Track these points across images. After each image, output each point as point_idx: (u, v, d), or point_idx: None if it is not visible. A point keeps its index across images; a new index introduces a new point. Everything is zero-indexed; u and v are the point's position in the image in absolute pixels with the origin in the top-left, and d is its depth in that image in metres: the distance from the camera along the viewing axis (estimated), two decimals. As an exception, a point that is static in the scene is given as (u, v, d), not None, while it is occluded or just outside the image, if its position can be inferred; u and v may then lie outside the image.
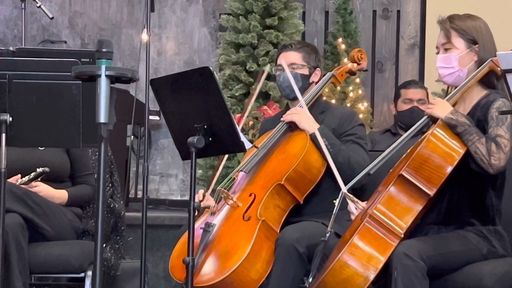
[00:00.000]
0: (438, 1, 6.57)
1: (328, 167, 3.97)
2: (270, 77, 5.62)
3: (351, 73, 4.37)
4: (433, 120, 3.60)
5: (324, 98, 5.12)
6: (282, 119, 4.15)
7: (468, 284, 3.47)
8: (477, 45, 3.60)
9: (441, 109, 3.52)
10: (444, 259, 3.46)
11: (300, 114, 4.07)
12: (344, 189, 3.65)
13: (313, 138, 4.01)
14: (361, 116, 5.79)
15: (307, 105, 4.13)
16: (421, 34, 6.73)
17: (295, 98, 4.17)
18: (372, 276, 3.40)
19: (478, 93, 3.62)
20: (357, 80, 6.34)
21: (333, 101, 6.02)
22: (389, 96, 6.47)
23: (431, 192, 3.44)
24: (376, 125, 6.54)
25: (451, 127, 3.47)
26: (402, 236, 3.42)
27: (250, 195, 3.92)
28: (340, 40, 6.45)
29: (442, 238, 3.55)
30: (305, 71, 4.23)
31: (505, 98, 3.53)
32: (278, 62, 4.26)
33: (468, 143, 3.43)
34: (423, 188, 3.44)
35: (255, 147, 4.03)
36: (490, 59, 3.55)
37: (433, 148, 3.45)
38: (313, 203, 4.05)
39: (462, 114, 3.50)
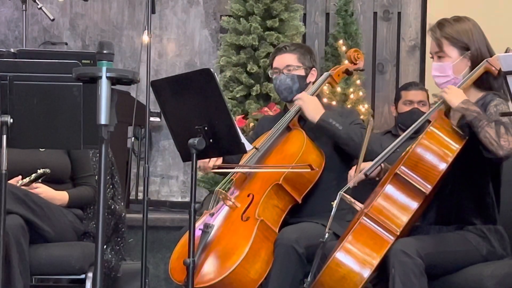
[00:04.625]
0: (438, 3, 6.58)
1: (326, 167, 4.00)
2: (270, 79, 5.63)
3: (348, 73, 4.37)
4: (430, 120, 3.62)
5: (325, 99, 5.14)
6: (295, 98, 4.15)
7: (468, 286, 3.48)
8: (469, 51, 3.61)
9: (455, 97, 3.53)
10: (442, 258, 3.47)
11: (307, 102, 4.08)
12: (342, 190, 3.67)
13: (318, 125, 4.02)
14: (361, 117, 5.79)
15: None
16: (422, 36, 6.73)
17: (293, 100, 4.18)
18: (367, 274, 3.42)
19: (475, 95, 3.64)
20: (358, 81, 6.34)
21: (334, 102, 6.02)
22: (390, 97, 6.47)
23: (427, 190, 3.46)
24: (377, 127, 6.53)
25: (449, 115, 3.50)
26: (398, 234, 3.44)
27: (249, 195, 3.92)
28: (341, 42, 6.45)
29: (441, 237, 3.57)
30: (301, 72, 4.23)
31: (502, 99, 3.55)
32: (274, 65, 4.27)
33: (477, 129, 3.42)
34: (419, 187, 3.46)
35: (256, 148, 4.04)
36: (485, 60, 3.57)
37: (427, 147, 3.48)
38: (312, 204, 4.06)
39: (472, 103, 3.50)
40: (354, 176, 3.68)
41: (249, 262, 3.71)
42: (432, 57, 3.69)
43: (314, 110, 4.07)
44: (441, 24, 3.66)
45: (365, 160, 3.72)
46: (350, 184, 3.67)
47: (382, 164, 3.77)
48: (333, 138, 4.05)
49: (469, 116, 3.46)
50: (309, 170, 3.85)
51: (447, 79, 3.64)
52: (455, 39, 3.62)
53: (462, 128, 3.53)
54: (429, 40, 3.75)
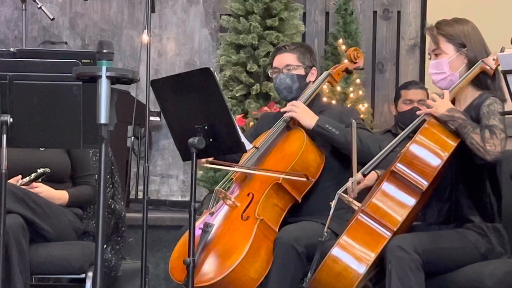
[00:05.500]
0: (438, 2, 6.58)
1: (326, 166, 4.01)
2: (270, 78, 5.63)
3: (348, 71, 4.37)
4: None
5: (325, 98, 5.14)
6: (283, 110, 4.15)
7: (468, 285, 3.49)
8: (465, 48, 3.64)
9: (440, 107, 3.55)
10: (440, 254, 3.49)
11: (299, 111, 4.08)
12: (340, 190, 3.68)
13: (315, 131, 4.02)
14: (361, 117, 5.79)
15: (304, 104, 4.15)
16: (422, 34, 6.73)
17: (292, 99, 4.18)
18: (363, 270, 3.43)
19: (472, 94, 3.68)
20: (358, 80, 6.34)
21: (334, 101, 6.02)
22: (390, 96, 6.47)
23: (423, 187, 3.48)
24: (377, 126, 6.54)
25: (447, 123, 3.50)
26: (395, 230, 3.46)
27: (248, 194, 3.92)
28: (340, 41, 6.45)
29: (438, 234, 3.59)
30: (301, 72, 4.23)
31: (497, 98, 3.57)
32: (274, 65, 4.28)
33: (464, 136, 3.48)
34: (415, 183, 3.48)
35: (255, 147, 4.04)
36: (481, 60, 3.61)
37: (423, 144, 3.51)
38: (312, 203, 4.06)
39: (458, 110, 3.55)
40: (351, 192, 3.69)
41: (249, 261, 3.71)
42: (430, 58, 3.72)
43: (308, 117, 4.06)
44: (439, 23, 3.71)
45: (363, 162, 3.73)
46: (350, 200, 3.67)
47: (379, 172, 3.78)
48: (331, 143, 4.05)
49: (454, 123, 3.51)
50: (305, 179, 3.86)
51: (444, 76, 3.67)
52: (452, 35, 3.66)
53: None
54: (429, 39, 3.77)
